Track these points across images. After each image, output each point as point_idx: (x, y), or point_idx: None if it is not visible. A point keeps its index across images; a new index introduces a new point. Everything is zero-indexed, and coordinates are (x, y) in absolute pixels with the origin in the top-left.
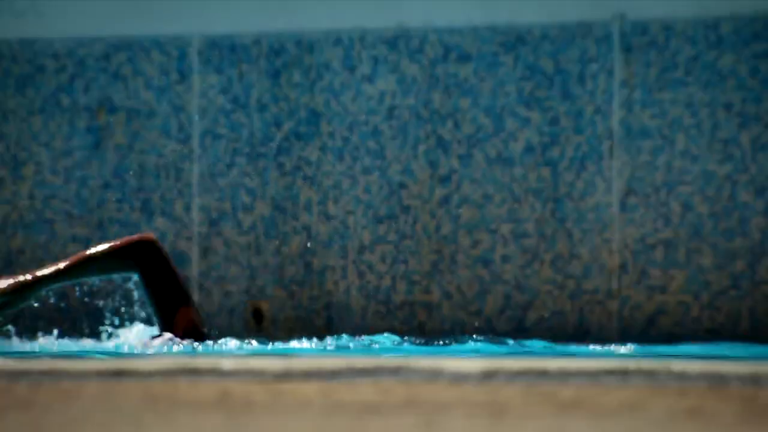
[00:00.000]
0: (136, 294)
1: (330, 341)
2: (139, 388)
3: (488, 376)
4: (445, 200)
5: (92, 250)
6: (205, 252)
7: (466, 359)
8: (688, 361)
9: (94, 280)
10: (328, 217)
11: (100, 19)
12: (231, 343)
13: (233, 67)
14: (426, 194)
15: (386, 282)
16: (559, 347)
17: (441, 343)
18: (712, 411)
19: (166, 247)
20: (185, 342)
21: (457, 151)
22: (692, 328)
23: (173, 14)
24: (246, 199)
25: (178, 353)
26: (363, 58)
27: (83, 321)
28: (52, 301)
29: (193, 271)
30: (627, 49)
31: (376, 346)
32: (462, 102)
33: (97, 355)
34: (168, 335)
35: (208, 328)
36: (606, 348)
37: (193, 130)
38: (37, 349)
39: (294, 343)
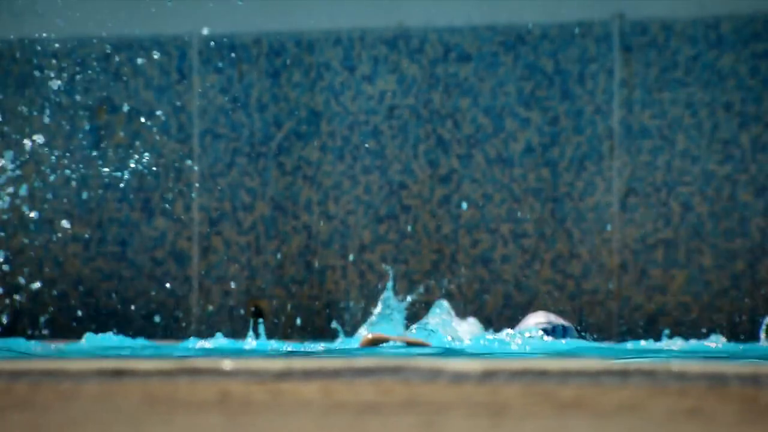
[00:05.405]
0: None
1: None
2: (138, 388)
3: (488, 376)
4: (445, 200)
5: None
6: (205, 252)
7: (466, 359)
8: (688, 361)
9: None
10: (328, 217)
11: (100, 19)
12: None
13: (233, 67)
14: (426, 194)
15: (386, 282)
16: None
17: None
18: (712, 411)
19: (167, 246)
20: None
21: (457, 151)
22: (692, 328)
23: (173, 14)
24: (246, 199)
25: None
26: (363, 58)
27: None
28: None
29: (193, 271)
30: (627, 49)
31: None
32: (462, 102)
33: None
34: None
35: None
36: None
37: (193, 130)
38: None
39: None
